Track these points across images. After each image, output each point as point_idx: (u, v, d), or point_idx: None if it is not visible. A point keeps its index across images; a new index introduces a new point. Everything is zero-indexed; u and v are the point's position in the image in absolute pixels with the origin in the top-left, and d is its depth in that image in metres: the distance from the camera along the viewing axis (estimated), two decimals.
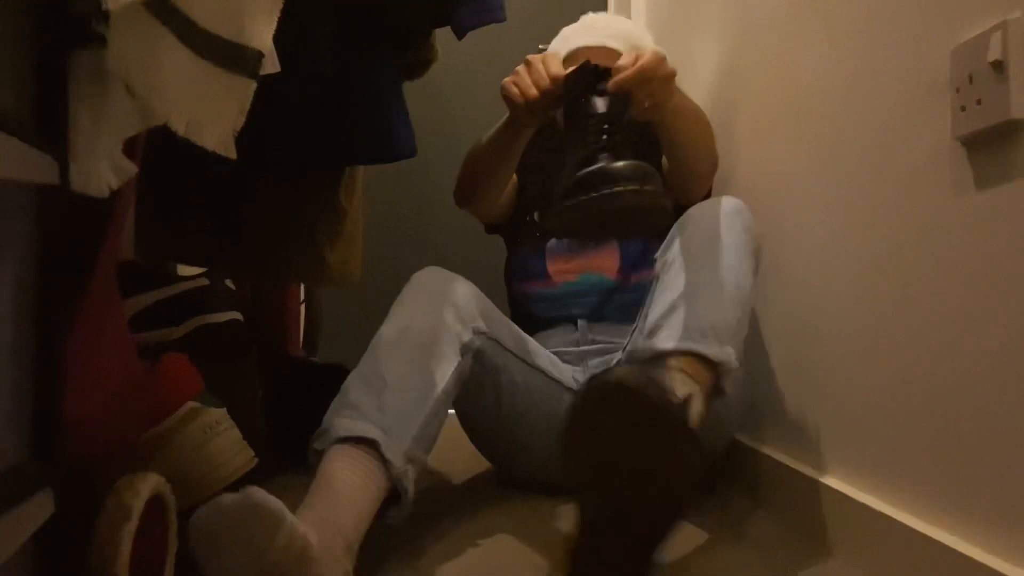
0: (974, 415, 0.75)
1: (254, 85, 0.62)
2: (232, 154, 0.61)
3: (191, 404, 0.94)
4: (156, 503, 0.79)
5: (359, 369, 1.02)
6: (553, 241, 1.37)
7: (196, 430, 0.92)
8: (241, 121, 0.62)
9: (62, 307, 0.62)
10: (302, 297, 1.99)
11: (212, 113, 0.59)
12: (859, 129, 0.98)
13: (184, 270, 1.20)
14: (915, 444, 0.85)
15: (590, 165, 0.93)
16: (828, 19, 1.06)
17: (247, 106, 0.62)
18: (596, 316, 1.32)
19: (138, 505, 0.73)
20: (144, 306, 1.11)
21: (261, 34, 0.62)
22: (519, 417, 1.19)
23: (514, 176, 1.40)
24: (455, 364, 1.01)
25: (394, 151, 1.43)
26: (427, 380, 0.98)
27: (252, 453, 0.97)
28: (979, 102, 0.73)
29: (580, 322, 1.32)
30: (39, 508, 0.47)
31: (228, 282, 1.20)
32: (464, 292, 1.08)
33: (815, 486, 1.03)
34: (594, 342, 1.30)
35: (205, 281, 1.14)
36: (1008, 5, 0.70)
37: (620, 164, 0.90)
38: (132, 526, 0.71)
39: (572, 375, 1.26)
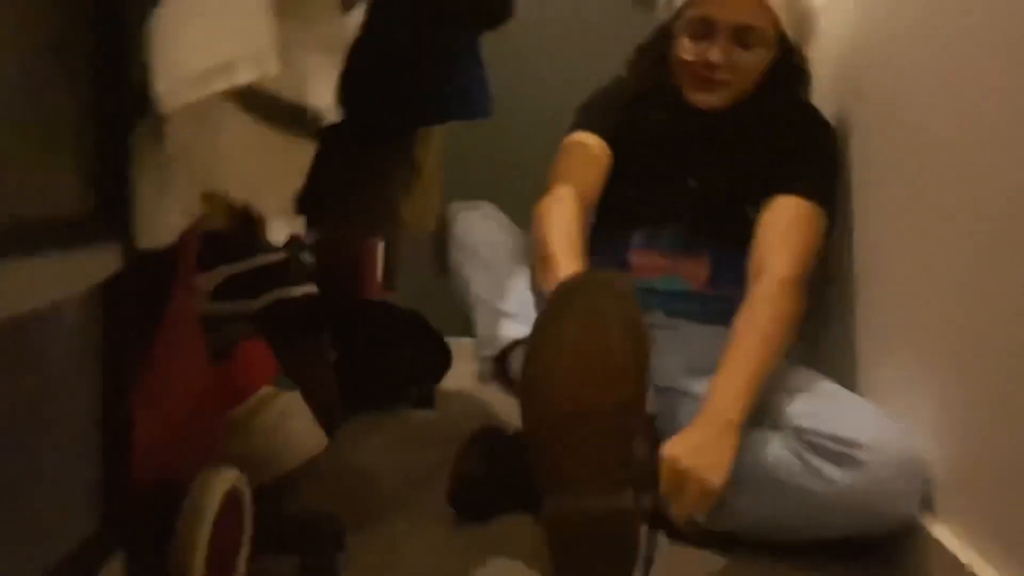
0: None
1: (314, 146, 0.62)
2: (291, 217, 0.61)
3: (266, 389, 1.00)
4: (231, 495, 0.86)
5: (479, 276, 1.24)
6: (641, 232, 1.30)
7: (270, 415, 0.98)
8: (301, 182, 0.62)
9: (140, 337, 0.66)
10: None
11: (272, 179, 0.60)
12: (970, 146, 0.91)
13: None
14: None
15: None
16: None
17: (307, 167, 0.62)
18: (673, 313, 1.28)
19: (213, 505, 0.79)
20: (224, 278, 1.16)
21: (323, 92, 0.61)
22: None
23: (605, 147, 1.30)
24: None
25: (468, 111, 1.41)
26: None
27: (323, 435, 1.03)
28: None
29: (657, 313, 1.28)
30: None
31: (306, 255, 1.23)
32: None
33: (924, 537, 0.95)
34: (672, 328, 1.27)
35: (283, 254, 1.18)
36: None
37: None
38: (207, 528, 0.78)
39: None
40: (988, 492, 0.85)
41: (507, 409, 1.60)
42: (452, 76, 1.36)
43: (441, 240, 1.35)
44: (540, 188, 1.29)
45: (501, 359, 1.16)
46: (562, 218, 1.17)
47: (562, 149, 1.31)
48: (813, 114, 1.29)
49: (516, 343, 1.12)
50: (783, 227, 1.17)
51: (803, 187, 1.19)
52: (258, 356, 1.00)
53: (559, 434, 0.81)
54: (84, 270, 0.49)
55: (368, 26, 0.75)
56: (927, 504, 0.97)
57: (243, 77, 0.51)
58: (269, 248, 1.22)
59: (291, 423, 1.00)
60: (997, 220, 0.84)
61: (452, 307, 1.76)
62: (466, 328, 1.70)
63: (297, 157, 0.61)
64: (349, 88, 1.23)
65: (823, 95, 1.33)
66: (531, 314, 1.10)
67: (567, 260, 1.08)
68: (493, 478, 1.13)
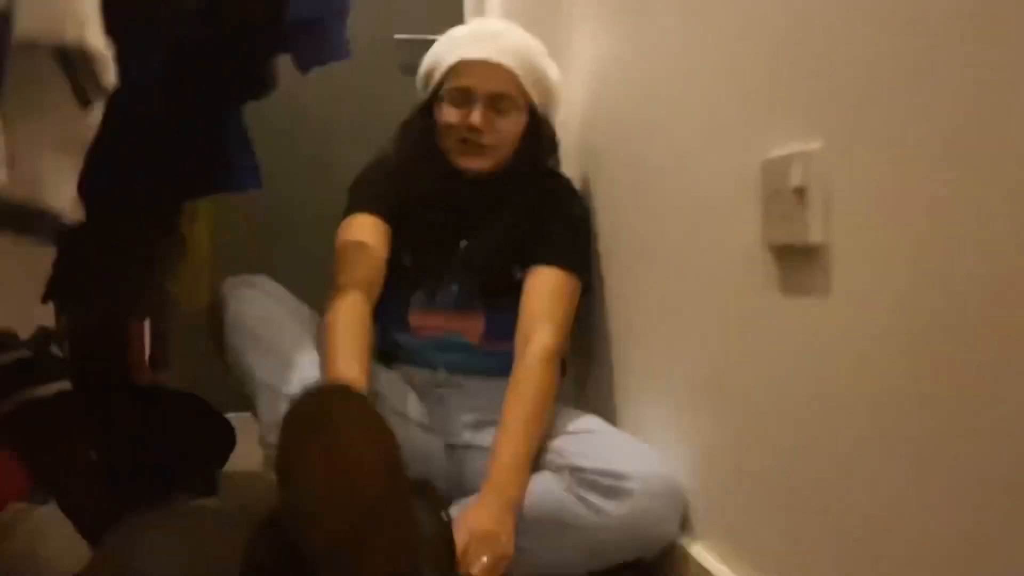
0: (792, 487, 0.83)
1: (53, 250, 0.58)
2: (25, 330, 0.57)
3: (15, 507, 0.90)
4: None
5: (260, 359, 1.19)
6: (419, 295, 1.34)
7: (23, 536, 0.89)
8: (40, 290, 0.58)
9: None
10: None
11: (6, 289, 0.55)
12: (682, 218, 1.04)
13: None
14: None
15: None
16: (671, 102, 1.10)
17: (46, 273, 0.58)
18: (455, 369, 1.33)
19: None
20: None
21: (61, 192, 0.58)
22: None
23: (382, 224, 1.33)
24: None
25: (234, 183, 1.38)
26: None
27: (86, 549, 0.94)
28: (783, 217, 0.79)
29: (442, 371, 1.32)
30: None
31: (55, 348, 1.13)
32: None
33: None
34: (456, 386, 1.32)
35: (27, 352, 1.07)
36: (810, 134, 0.75)
37: None
38: None
39: (420, 410, 1.28)
40: (735, 514, 0.95)
41: None
42: (215, 148, 1.32)
43: (216, 320, 1.27)
44: (316, 258, 1.28)
45: None
46: (347, 319, 1.19)
47: (340, 240, 1.31)
48: (561, 182, 1.41)
49: None
50: (544, 298, 1.27)
51: (559, 258, 1.29)
52: (4, 472, 0.90)
53: (336, 552, 0.84)
54: None
55: (121, 97, 0.71)
56: (686, 526, 1.07)
57: None
58: (9, 345, 1.10)
59: (47, 541, 0.91)
60: (722, 268, 0.96)
61: (232, 382, 1.69)
62: (249, 402, 1.64)
63: (36, 262, 0.56)
64: (101, 164, 1.16)
65: (569, 161, 1.46)
66: None
67: (344, 362, 1.12)
68: (287, 566, 1.09)
